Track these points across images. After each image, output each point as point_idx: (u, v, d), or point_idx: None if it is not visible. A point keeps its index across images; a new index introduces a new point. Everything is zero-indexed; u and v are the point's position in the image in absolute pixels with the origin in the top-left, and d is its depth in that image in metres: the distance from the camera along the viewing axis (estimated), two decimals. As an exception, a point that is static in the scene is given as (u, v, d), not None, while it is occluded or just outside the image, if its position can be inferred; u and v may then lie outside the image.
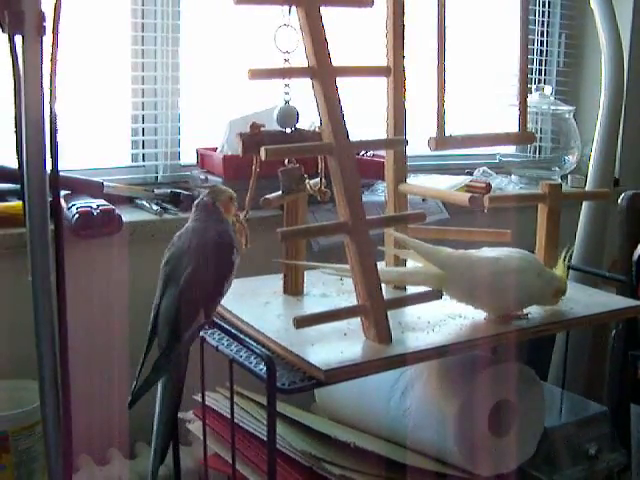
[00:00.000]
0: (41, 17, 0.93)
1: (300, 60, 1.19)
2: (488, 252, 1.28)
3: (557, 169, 2.40)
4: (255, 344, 1.09)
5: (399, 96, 1.35)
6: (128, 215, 1.64)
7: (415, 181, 1.98)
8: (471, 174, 2.26)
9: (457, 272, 1.23)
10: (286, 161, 1.32)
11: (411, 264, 1.39)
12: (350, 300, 1.23)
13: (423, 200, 1.93)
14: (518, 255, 1.27)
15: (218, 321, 1.17)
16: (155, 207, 1.71)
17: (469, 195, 1.24)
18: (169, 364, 1.11)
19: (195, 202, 1.21)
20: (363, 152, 1.94)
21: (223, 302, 1.27)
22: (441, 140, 1.32)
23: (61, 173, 1.01)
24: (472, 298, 1.25)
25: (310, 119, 1.33)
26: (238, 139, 1.19)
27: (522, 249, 1.52)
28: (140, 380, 1.12)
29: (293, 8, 1.17)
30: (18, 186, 1.00)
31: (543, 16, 2.55)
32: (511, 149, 2.43)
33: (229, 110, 1.88)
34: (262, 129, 1.21)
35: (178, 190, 1.78)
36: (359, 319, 1.16)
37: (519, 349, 1.32)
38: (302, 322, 1.11)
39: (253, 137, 1.19)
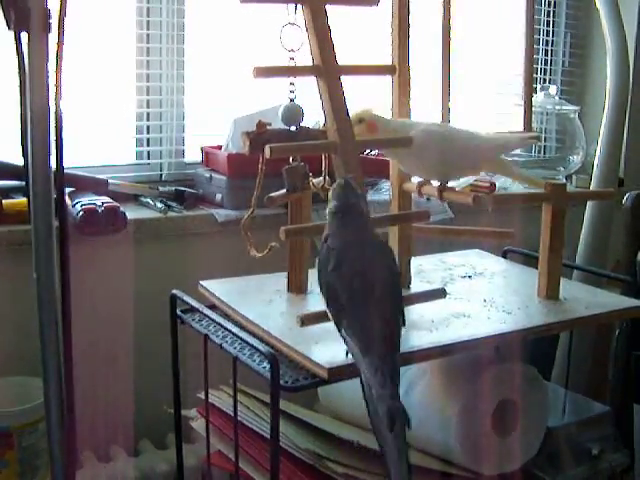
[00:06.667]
0: (47, 14, 0.93)
1: (305, 58, 1.19)
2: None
3: (562, 169, 2.40)
4: (259, 342, 1.09)
5: (404, 95, 1.35)
6: (132, 213, 1.65)
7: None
8: (475, 173, 2.25)
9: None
10: (290, 159, 1.32)
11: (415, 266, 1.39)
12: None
13: (427, 199, 1.93)
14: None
15: (221, 320, 1.17)
16: (159, 205, 1.71)
17: (473, 194, 1.24)
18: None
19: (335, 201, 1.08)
20: (368, 151, 1.94)
21: (226, 300, 1.28)
22: (445, 139, 1.32)
23: (66, 170, 1.01)
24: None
25: (315, 117, 1.33)
26: (244, 138, 1.19)
27: (526, 249, 1.52)
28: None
29: (299, 6, 1.17)
30: (23, 183, 1.00)
31: (548, 16, 2.55)
32: (516, 148, 2.42)
33: (234, 108, 1.88)
34: (268, 127, 1.21)
35: (182, 188, 1.78)
36: (363, 318, 1.16)
37: (522, 348, 1.32)
38: (306, 320, 1.11)
39: (260, 135, 1.19)
